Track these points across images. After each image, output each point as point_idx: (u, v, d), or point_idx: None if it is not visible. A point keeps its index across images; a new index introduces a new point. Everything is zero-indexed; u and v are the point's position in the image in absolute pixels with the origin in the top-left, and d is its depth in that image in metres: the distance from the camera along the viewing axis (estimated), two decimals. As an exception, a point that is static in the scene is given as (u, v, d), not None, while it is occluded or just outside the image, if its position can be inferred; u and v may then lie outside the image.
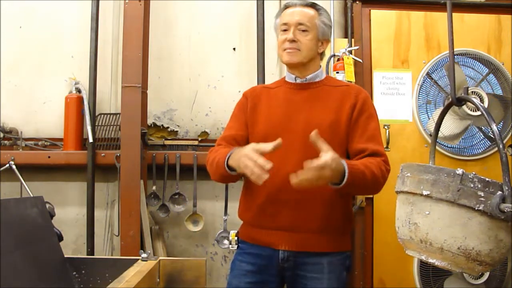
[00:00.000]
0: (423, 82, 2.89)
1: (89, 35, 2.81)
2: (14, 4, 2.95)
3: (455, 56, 2.84)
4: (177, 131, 3.01)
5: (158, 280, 1.48)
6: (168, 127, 3.00)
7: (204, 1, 3.08)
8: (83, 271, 1.53)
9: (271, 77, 2.87)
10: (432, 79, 2.90)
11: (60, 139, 2.84)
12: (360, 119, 1.78)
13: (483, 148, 2.91)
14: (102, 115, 2.88)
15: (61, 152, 2.78)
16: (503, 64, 2.90)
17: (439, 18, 2.93)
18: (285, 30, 1.83)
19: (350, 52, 2.74)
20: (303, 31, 1.81)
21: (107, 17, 2.97)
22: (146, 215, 2.65)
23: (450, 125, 2.76)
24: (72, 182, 2.91)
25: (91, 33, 2.80)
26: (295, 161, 1.73)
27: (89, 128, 2.71)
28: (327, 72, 2.74)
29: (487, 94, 2.79)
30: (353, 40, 2.92)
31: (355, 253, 2.78)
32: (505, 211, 1.09)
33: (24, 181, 2.59)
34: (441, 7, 2.93)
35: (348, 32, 2.95)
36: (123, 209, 2.54)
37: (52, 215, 1.58)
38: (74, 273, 1.52)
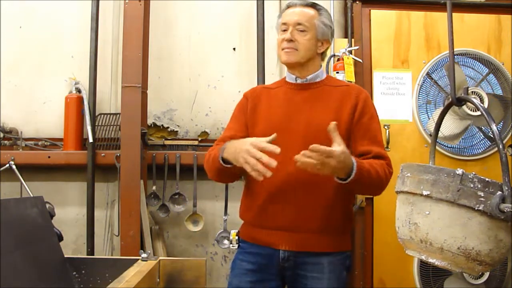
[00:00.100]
0: (423, 82, 2.89)
1: (89, 35, 2.81)
2: (14, 4, 2.95)
3: (455, 56, 2.84)
4: (177, 131, 3.01)
5: (158, 280, 1.48)
6: (168, 127, 3.00)
7: (204, 1, 3.08)
8: (83, 271, 1.53)
9: (271, 77, 2.87)
10: (432, 79, 2.90)
11: (60, 139, 2.84)
12: (363, 120, 1.79)
13: (483, 148, 2.91)
14: (102, 115, 2.88)
15: (61, 152, 2.78)
16: (503, 64, 2.90)
17: (439, 18, 2.93)
18: (284, 30, 1.84)
19: (350, 52, 2.74)
20: (302, 31, 1.81)
21: (107, 17, 2.97)
22: (146, 215, 2.65)
23: (450, 125, 2.76)
24: (72, 182, 2.91)
25: (91, 33, 2.80)
26: (295, 161, 1.73)
27: (89, 128, 2.71)
28: (327, 72, 2.74)
29: (487, 94, 2.79)
30: (353, 40, 2.92)
31: (355, 253, 2.78)
32: (505, 211, 1.09)
33: (24, 181, 2.59)
34: (441, 7, 2.93)
35: (348, 32, 2.95)
36: (123, 209, 2.54)
37: (52, 215, 1.58)
38: (74, 273, 1.52)
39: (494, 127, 1.20)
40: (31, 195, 2.50)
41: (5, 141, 2.83)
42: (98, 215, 2.83)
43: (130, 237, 2.51)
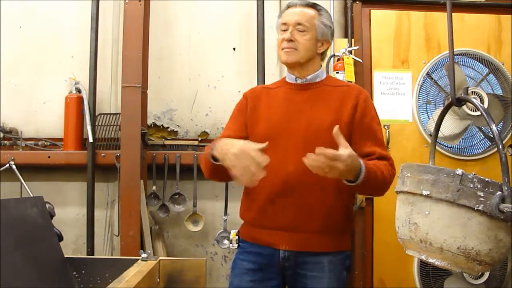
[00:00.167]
0: (423, 82, 2.89)
1: (89, 35, 2.81)
2: (14, 4, 2.95)
3: (455, 56, 2.84)
4: (177, 131, 3.01)
5: (158, 280, 1.48)
6: (168, 127, 3.00)
7: (204, 1, 3.08)
8: (83, 271, 1.53)
9: (271, 77, 2.87)
10: (432, 79, 2.90)
11: (60, 139, 2.84)
12: (364, 121, 1.79)
13: (483, 148, 2.91)
14: (102, 115, 2.88)
15: (61, 152, 2.78)
16: (503, 64, 2.90)
17: (439, 18, 2.93)
18: (284, 30, 1.84)
19: (350, 52, 2.74)
20: (302, 31, 1.81)
21: (107, 17, 2.97)
22: (146, 215, 2.65)
23: (450, 125, 2.76)
24: (72, 182, 2.91)
25: (91, 33, 2.80)
26: (296, 161, 1.74)
27: (89, 128, 2.71)
28: (327, 72, 2.74)
29: (487, 94, 2.79)
30: (353, 40, 2.92)
31: (355, 253, 2.78)
32: (505, 211, 1.09)
33: (24, 181, 2.59)
34: (441, 7, 2.93)
35: (348, 32, 2.95)
36: (123, 209, 2.54)
37: (52, 215, 1.58)
38: (74, 273, 1.52)
39: (493, 127, 1.20)
40: (31, 195, 2.50)
41: (5, 141, 2.83)
42: (98, 215, 2.83)
43: (130, 237, 2.51)
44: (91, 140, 2.70)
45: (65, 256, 1.51)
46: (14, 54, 2.93)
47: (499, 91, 2.92)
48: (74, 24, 2.97)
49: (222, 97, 3.02)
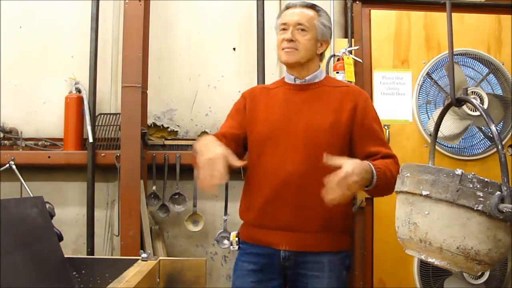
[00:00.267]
0: (423, 82, 2.89)
1: (89, 35, 2.81)
2: (14, 4, 2.95)
3: (455, 56, 2.84)
4: (177, 131, 3.01)
5: (158, 280, 1.48)
6: (168, 127, 3.00)
7: (204, 1, 3.08)
8: (83, 271, 1.53)
9: (271, 77, 2.87)
10: (432, 79, 2.90)
11: (60, 139, 2.84)
12: (365, 122, 1.80)
13: (483, 148, 2.91)
14: (102, 115, 2.88)
15: (61, 152, 2.78)
16: (503, 64, 2.90)
17: (439, 18, 2.93)
18: (284, 30, 1.84)
19: (350, 52, 2.74)
20: (302, 30, 1.82)
21: (107, 17, 2.97)
22: (146, 215, 2.65)
23: (450, 125, 2.76)
24: (72, 182, 2.91)
25: (91, 33, 2.80)
26: (295, 161, 1.75)
27: (89, 128, 2.71)
28: (327, 72, 2.74)
29: (487, 94, 2.79)
30: (353, 40, 2.92)
31: (355, 253, 2.78)
32: (504, 211, 1.09)
33: (24, 181, 2.60)
34: (441, 7, 2.92)
35: (348, 32, 2.95)
36: (123, 209, 2.54)
37: (52, 215, 1.58)
38: (74, 273, 1.52)
39: (493, 127, 1.20)
40: (31, 195, 2.50)
41: (5, 141, 2.83)
42: (98, 215, 2.83)
43: (130, 237, 2.51)
44: (91, 140, 2.70)
45: (65, 256, 1.51)
46: (14, 54, 2.94)
47: (499, 91, 2.92)
48: (74, 24, 2.97)
49: (222, 97, 3.02)
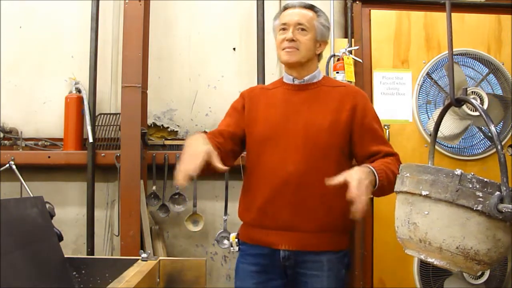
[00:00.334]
0: (423, 82, 2.89)
1: (89, 35, 2.81)
2: (14, 4, 2.95)
3: (455, 56, 2.84)
4: (177, 131, 3.01)
5: (158, 280, 1.48)
6: (168, 127, 3.00)
7: (204, 1, 3.08)
8: (83, 271, 1.53)
9: (271, 77, 2.87)
10: (432, 79, 2.90)
11: (60, 139, 2.85)
12: (365, 122, 1.81)
13: (483, 148, 2.91)
14: (102, 115, 2.88)
15: (61, 152, 2.78)
16: (503, 64, 2.90)
17: (439, 18, 2.93)
18: (284, 30, 1.84)
19: (350, 52, 2.74)
20: (302, 30, 1.82)
21: (107, 17, 2.97)
22: (146, 215, 2.65)
23: (450, 125, 2.76)
24: (72, 182, 2.91)
25: (91, 33, 2.80)
26: (295, 161, 1.75)
27: (89, 128, 2.71)
28: (327, 72, 2.74)
29: (487, 94, 2.79)
30: (353, 40, 2.92)
31: (355, 253, 2.78)
32: (503, 211, 1.09)
33: (24, 181, 2.60)
34: (441, 7, 2.93)
35: (348, 32, 2.95)
36: (123, 209, 2.54)
37: (52, 215, 1.58)
38: (74, 273, 1.52)
39: (492, 127, 1.20)
40: (31, 195, 2.50)
41: (5, 141, 2.83)
42: (98, 215, 2.83)
43: (130, 237, 2.51)
44: (91, 140, 2.70)
45: (65, 256, 1.51)
46: (14, 54, 2.94)
47: (499, 91, 2.92)
48: (74, 24, 2.97)
49: (222, 97, 3.02)
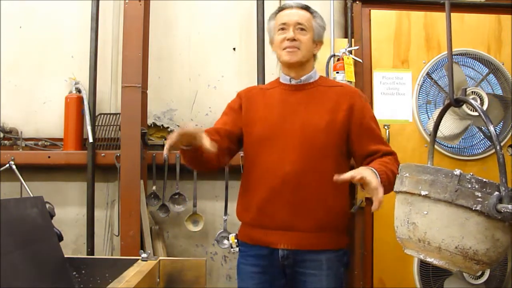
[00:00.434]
0: (423, 82, 2.89)
1: (89, 35, 2.81)
2: (14, 4, 2.95)
3: (455, 56, 2.84)
4: (177, 131, 3.01)
5: (158, 280, 1.48)
6: (168, 127, 3.00)
7: (204, 1, 3.08)
8: (83, 271, 1.53)
9: (271, 77, 2.86)
10: (432, 79, 2.90)
11: (60, 139, 2.85)
12: (363, 121, 1.82)
13: (483, 148, 2.91)
14: (102, 115, 2.88)
15: (61, 152, 2.78)
16: (503, 64, 2.90)
17: (439, 18, 2.93)
18: (283, 30, 1.84)
19: (350, 52, 2.74)
20: (302, 30, 1.83)
21: (107, 17, 2.97)
22: (146, 215, 2.65)
23: (450, 125, 2.76)
24: (72, 182, 2.91)
25: (91, 33, 2.80)
26: (292, 161, 1.76)
27: (89, 128, 2.71)
28: (327, 72, 2.74)
29: (487, 94, 2.79)
30: (353, 40, 2.92)
31: (355, 253, 2.78)
32: (502, 211, 1.10)
33: (24, 181, 2.60)
34: (441, 7, 2.92)
35: (348, 32, 2.95)
36: (123, 209, 2.54)
37: (52, 215, 1.58)
38: (74, 273, 1.52)
39: (491, 128, 1.21)
40: (31, 195, 2.51)
41: (5, 141, 2.83)
42: (98, 215, 2.83)
43: (130, 237, 2.51)
44: (91, 140, 2.70)
45: (65, 256, 1.51)
46: (14, 54, 2.94)
47: (499, 91, 2.92)
48: (74, 24, 2.97)
49: (222, 97, 3.00)
